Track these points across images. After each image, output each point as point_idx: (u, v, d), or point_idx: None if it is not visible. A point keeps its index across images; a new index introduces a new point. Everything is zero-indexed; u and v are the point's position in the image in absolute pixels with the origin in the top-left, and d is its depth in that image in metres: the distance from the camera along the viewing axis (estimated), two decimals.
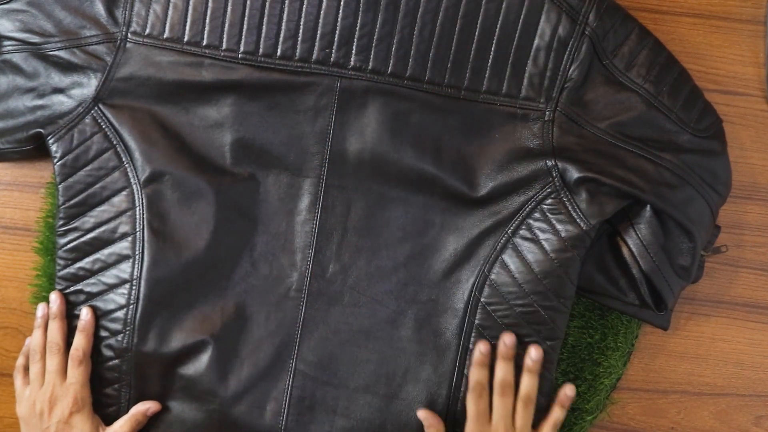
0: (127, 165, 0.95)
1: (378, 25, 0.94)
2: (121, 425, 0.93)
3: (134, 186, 0.95)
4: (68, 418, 0.91)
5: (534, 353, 0.94)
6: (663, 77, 0.96)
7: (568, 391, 0.96)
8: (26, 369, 0.97)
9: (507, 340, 0.93)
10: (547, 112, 0.95)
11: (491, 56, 0.95)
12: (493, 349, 0.95)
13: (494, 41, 0.94)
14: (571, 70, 0.94)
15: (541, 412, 0.96)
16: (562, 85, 0.94)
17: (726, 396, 1.08)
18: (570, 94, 0.94)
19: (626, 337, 1.04)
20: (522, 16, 0.94)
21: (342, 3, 0.94)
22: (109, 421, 0.95)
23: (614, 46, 0.95)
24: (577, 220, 0.93)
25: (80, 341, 0.94)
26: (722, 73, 1.08)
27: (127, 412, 0.95)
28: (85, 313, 0.95)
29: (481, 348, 0.94)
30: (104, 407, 0.96)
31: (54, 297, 0.95)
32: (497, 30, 0.94)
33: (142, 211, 0.95)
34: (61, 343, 0.95)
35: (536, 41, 0.94)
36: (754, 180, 1.08)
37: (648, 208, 0.95)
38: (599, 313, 1.04)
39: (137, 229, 0.95)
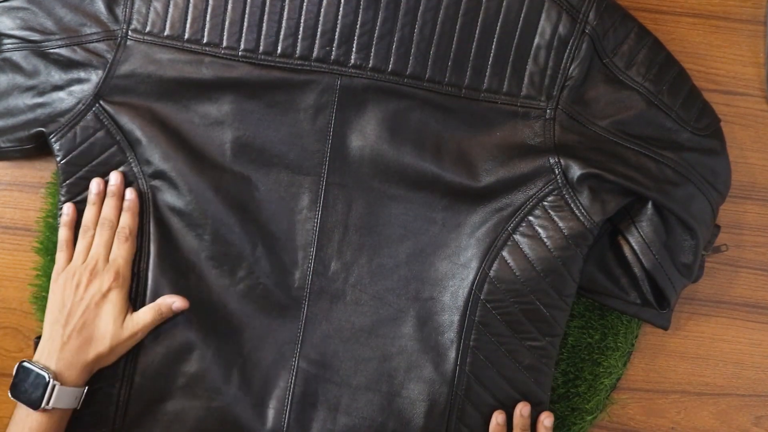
0: (131, 160, 0.95)
1: (378, 23, 0.94)
2: (144, 312, 0.92)
3: (140, 181, 0.95)
4: (106, 292, 0.91)
5: (547, 421, 0.94)
6: (663, 76, 0.96)
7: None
8: (70, 244, 0.95)
9: (524, 411, 0.94)
10: (548, 111, 0.95)
11: (492, 55, 0.95)
12: (509, 417, 0.95)
13: (495, 40, 0.95)
14: (571, 69, 0.94)
15: (537, 407, 0.96)
16: (563, 84, 0.95)
17: (726, 396, 1.07)
18: (571, 93, 0.95)
19: (626, 337, 1.04)
20: (522, 15, 0.94)
21: (342, 1, 0.94)
22: (102, 420, 0.93)
23: (614, 45, 0.95)
24: (580, 218, 0.93)
25: (127, 220, 0.94)
26: (722, 73, 1.08)
27: (124, 410, 0.93)
28: (129, 193, 0.94)
29: (498, 419, 0.94)
30: (101, 405, 0.93)
31: (115, 176, 0.95)
32: (498, 28, 0.94)
33: (148, 205, 0.95)
34: (114, 221, 0.94)
35: (537, 40, 0.94)
36: (753, 180, 1.08)
37: (650, 205, 0.95)
38: (599, 313, 1.04)
39: (143, 222, 0.95)
